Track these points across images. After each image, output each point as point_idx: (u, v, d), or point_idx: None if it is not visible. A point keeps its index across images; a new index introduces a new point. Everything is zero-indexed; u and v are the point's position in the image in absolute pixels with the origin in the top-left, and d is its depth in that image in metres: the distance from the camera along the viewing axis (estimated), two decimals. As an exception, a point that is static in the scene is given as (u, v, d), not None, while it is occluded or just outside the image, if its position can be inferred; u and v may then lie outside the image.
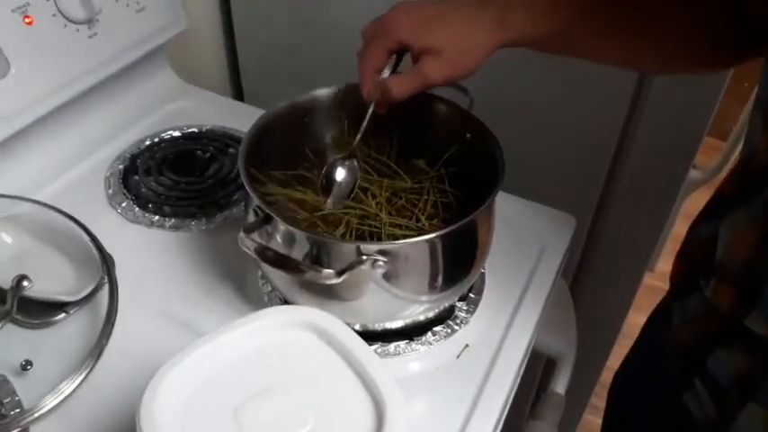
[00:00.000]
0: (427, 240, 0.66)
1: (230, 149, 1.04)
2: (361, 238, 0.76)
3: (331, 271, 0.61)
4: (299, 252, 0.68)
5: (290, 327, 0.54)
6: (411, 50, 0.71)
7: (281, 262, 0.62)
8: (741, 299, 0.60)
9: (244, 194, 0.73)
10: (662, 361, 0.74)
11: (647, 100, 1.01)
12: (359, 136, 0.74)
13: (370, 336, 0.76)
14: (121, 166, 1.00)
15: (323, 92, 0.84)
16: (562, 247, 0.92)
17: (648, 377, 0.77)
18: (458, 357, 0.78)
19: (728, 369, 0.62)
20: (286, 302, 0.79)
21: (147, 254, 0.88)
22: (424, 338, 0.78)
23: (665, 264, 1.99)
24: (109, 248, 0.82)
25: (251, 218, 0.71)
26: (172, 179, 0.98)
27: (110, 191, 0.96)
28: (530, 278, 0.88)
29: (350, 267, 0.63)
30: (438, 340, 0.79)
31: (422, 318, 0.76)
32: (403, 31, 0.70)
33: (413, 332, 0.78)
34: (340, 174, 0.76)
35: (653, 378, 0.76)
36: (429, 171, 0.84)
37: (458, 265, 0.72)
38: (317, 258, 0.67)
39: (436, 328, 0.79)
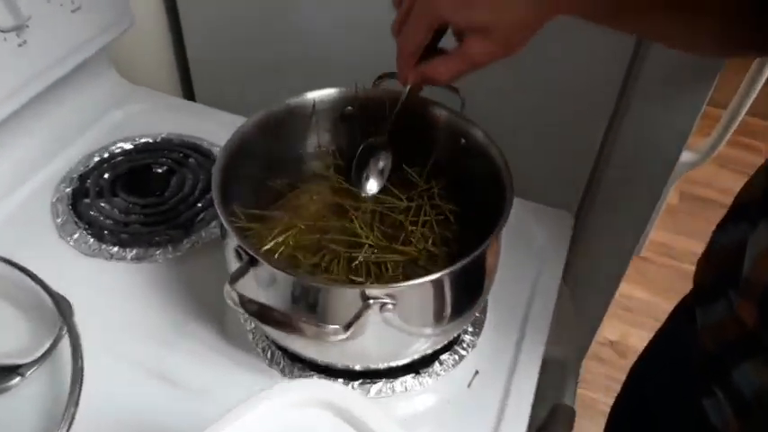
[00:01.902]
0: (439, 278, 0.58)
1: (190, 160, 0.94)
2: (350, 268, 0.68)
3: (338, 326, 0.54)
4: (291, 297, 0.59)
5: (303, 405, 0.46)
6: (454, 29, 0.62)
7: (280, 321, 0.54)
8: (764, 320, 0.56)
9: (219, 227, 0.63)
10: (683, 360, 0.70)
11: (641, 74, 0.94)
12: (393, 115, 0.70)
13: (373, 374, 0.69)
14: (69, 189, 0.88)
15: (299, 100, 0.75)
16: (563, 251, 0.86)
17: (670, 372, 0.75)
18: (469, 386, 0.72)
19: (754, 383, 0.58)
20: (274, 343, 0.71)
21: (110, 292, 0.78)
22: (431, 369, 0.71)
23: (655, 234, 2.00)
24: (64, 290, 0.72)
25: (231, 258, 0.62)
26: (128, 201, 0.87)
27: (58, 220, 0.85)
28: (533, 288, 0.81)
29: (357, 317, 0.55)
30: (446, 369, 0.72)
31: (429, 351, 0.69)
32: (445, 7, 0.60)
33: (419, 364, 0.71)
34: (375, 160, 0.73)
35: (674, 374, 0.73)
36: (420, 185, 0.76)
37: (468, 294, 0.65)
38: (314, 305, 0.59)
39: (443, 357, 0.72)
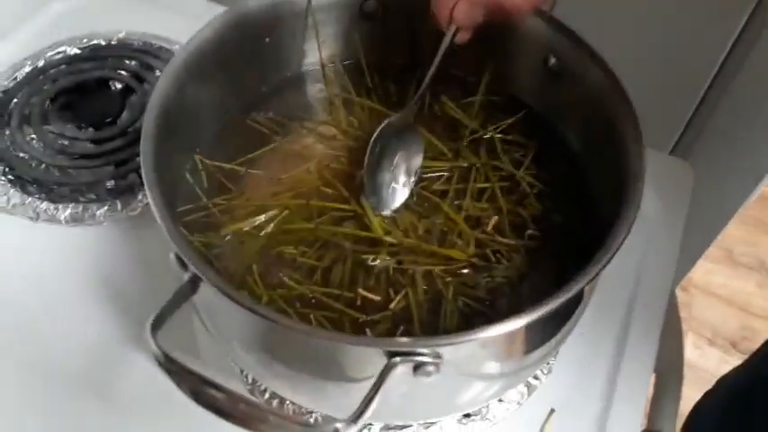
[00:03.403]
0: (520, 326, 0.33)
1: (157, 72, 0.68)
2: (364, 274, 0.43)
3: (338, 425, 0.30)
4: (260, 346, 0.35)
5: None
6: None
7: (226, 410, 0.30)
8: None
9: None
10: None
11: None
12: (424, 86, 0.45)
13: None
14: (-13, 114, 0.64)
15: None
16: (679, 220, 0.60)
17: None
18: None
19: None
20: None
21: (33, 268, 0.55)
22: (489, 412, 0.48)
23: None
24: None
25: (173, 265, 0.37)
26: (64, 133, 0.63)
27: (-31, 158, 0.61)
28: (637, 278, 0.56)
29: (375, 390, 0.31)
30: (510, 410, 0.48)
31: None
32: None
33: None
34: (395, 158, 0.46)
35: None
36: (472, 129, 0.50)
37: (552, 333, 0.40)
38: (301, 361, 0.35)
39: (503, 396, 0.48)
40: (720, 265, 1.56)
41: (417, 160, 0.47)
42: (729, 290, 1.51)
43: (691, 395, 0.67)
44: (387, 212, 0.45)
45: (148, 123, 0.41)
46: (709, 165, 0.74)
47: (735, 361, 0.88)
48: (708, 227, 0.88)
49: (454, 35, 0.43)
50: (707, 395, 0.66)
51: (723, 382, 0.65)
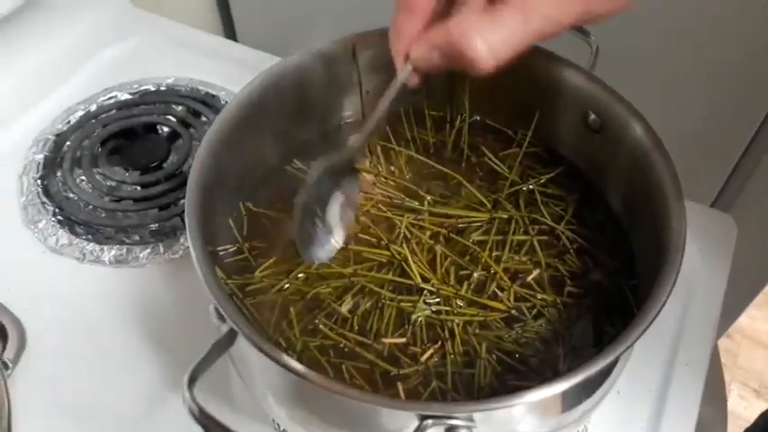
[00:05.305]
0: (557, 392, 0.32)
1: (202, 117, 0.70)
2: (403, 324, 0.43)
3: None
4: (296, 404, 0.36)
5: None
6: None
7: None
8: None
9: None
10: None
11: None
12: (366, 129, 0.41)
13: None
14: (40, 156, 0.66)
15: (333, 45, 0.49)
16: (723, 275, 0.58)
17: None
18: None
19: None
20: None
21: (74, 307, 0.57)
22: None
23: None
24: (13, 300, 0.54)
25: (212, 316, 0.38)
26: (113, 177, 0.65)
27: (23, 199, 0.63)
28: (676, 340, 0.55)
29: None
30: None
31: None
32: None
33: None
34: (329, 207, 0.45)
35: None
36: (518, 183, 0.50)
37: (591, 393, 0.40)
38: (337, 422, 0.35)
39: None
40: (767, 312, 1.51)
41: (353, 198, 0.46)
42: (777, 339, 1.46)
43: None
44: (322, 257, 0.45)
45: (194, 174, 0.42)
46: (753, 217, 0.72)
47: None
48: (754, 278, 0.85)
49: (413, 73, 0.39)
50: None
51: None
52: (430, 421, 0.32)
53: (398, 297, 0.43)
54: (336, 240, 0.45)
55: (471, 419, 0.32)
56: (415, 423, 0.32)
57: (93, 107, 0.71)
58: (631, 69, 0.64)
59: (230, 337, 0.35)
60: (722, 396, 0.66)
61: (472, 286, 0.45)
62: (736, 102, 0.70)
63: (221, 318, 0.36)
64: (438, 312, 0.43)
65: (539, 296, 0.44)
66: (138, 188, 0.64)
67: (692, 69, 0.68)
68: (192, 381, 0.33)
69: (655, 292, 0.35)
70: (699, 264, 0.57)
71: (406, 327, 0.43)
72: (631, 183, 0.45)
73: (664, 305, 0.35)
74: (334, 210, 0.45)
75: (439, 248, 0.46)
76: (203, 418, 0.31)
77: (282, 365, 0.33)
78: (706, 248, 0.58)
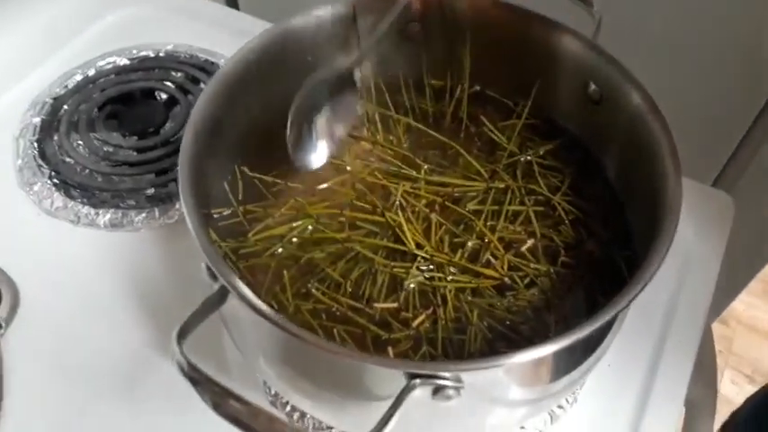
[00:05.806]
0: (547, 353, 0.32)
1: (201, 85, 0.70)
2: (396, 290, 0.43)
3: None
4: (283, 359, 0.36)
5: None
6: None
7: (243, 420, 0.30)
8: None
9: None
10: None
11: None
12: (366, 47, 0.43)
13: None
14: (38, 119, 0.66)
15: (329, 10, 0.49)
16: (718, 252, 0.58)
17: None
18: (564, 467, 0.48)
19: None
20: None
21: (67, 269, 0.57)
22: (505, 442, 0.47)
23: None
24: (9, 261, 0.53)
25: (204, 274, 0.38)
26: (110, 142, 0.64)
27: (19, 162, 0.63)
28: (669, 316, 0.55)
29: (394, 409, 0.31)
30: (528, 440, 0.48)
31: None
32: None
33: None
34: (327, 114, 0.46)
35: None
36: (516, 154, 0.50)
37: (582, 360, 0.40)
38: (324, 379, 0.35)
39: (526, 424, 0.48)
40: (763, 300, 1.51)
41: (350, 114, 0.47)
42: (772, 326, 1.46)
43: None
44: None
45: (188, 134, 0.42)
46: (754, 199, 0.72)
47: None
48: (750, 261, 0.85)
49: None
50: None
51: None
52: (417, 380, 0.32)
53: (392, 263, 0.43)
54: (325, 149, 0.45)
55: (459, 380, 0.32)
56: (403, 382, 0.32)
57: (92, 71, 0.70)
58: (634, 45, 0.63)
59: (221, 295, 0.35)
60: (713, 379, 0.66)
61: (466, 254, 0.45)
62: (740, 84, 0.69)
63: (213, 276, 0.36)
64: (431, 279, 0.43)
65: (532, 266, 0.44)
66: (135, 153, 0.64)
67: (697, 47, 0.67)
68: (182, 336, 0.33)
69: (647, 259, 0.35)
70: (694, 240, 0.57)
71: (399, 292, 0.43)
72: (630, 155, 0.45)
73: (655, 272, 0.34)
74: (326, 120, 0.45)
75: (434, 216, 0.46)
76: (191, 371, 0.31)
77: (272, 321, 0.32)
78: (702, 226, 0.58)
